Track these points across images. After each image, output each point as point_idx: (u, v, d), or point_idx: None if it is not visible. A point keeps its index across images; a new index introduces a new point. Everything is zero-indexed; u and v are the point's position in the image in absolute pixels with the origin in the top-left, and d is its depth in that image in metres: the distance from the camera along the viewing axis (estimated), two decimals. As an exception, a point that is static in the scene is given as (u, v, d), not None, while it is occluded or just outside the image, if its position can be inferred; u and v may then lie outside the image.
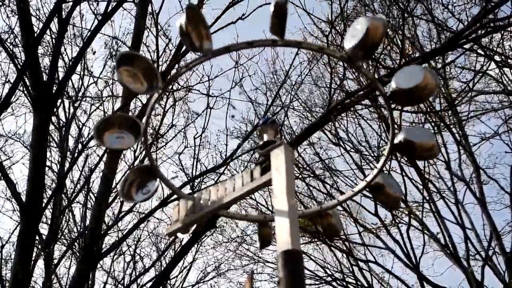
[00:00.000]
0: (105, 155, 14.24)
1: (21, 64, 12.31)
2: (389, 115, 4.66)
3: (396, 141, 4.73)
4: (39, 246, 13.95)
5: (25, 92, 13.34)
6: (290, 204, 4.36)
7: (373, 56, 13.31)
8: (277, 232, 4.32)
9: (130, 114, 12.96)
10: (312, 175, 17.89)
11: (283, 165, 4.56)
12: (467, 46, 12.08)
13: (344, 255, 18.72)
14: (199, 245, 17.93)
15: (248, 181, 4.81)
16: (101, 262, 15.68)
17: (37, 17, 14.75)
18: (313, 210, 5.57)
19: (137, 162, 15.00)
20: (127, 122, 4.70)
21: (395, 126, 4.84)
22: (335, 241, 17.87)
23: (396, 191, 5.10)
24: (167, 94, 14.35)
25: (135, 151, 15.72)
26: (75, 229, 16.43)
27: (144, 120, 4.65)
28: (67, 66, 15.30)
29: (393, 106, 4.71)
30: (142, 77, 4.53)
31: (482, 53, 14.54)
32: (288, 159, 4.63)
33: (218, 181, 14.35)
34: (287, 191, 4.41)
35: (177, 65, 12.84)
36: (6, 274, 16.26)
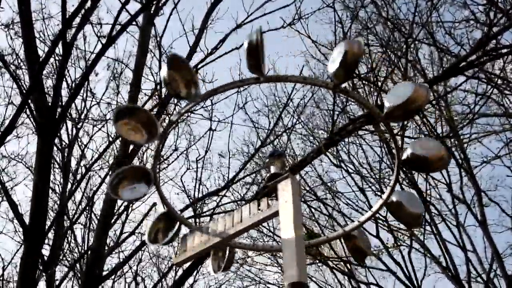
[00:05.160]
0: (108, 177, 14.29)
1: (25, 86, 12.40)
2: (389, 132, 4.74)
3: (403, 157, 4.78)
4: (41, 267, 13.92)
5: (29, 115, 13.42)
6: (297, 237, 4.41)
7: (375, 81, 13.44)
8: (284, 264, 4.37)
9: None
10: (314, 197, 17.92)
11: (290, 198, 4.62)
12: (470, 71, 12.17)
13: (346, 277, 18.68)
14: (200, 266, 17.86)
15: (255, 212, 4.87)
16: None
17: (41, 39, 14.87)
18: (321, 240, 5.63)
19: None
20: (139, 173, 4.78)
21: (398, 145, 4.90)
22: (336, 263, 17.85)
23: (415, 209, 5.07)
24: (169, 117, 14.40)
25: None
26: (76, 250, 16.40)
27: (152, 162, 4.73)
28: (70, 88, 15.38)
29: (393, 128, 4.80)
30: (141, 127, 4.62)
31: (484, 77, 14.62)
32: (295, 191, 4.69)
33: (219, 203, 14.37)
34: (294, 224, 4.47)
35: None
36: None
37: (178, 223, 4.92)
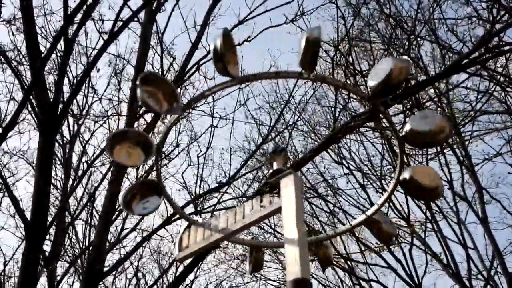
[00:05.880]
0: (109, 173, 14.29)
1: (26, 82, 12.39)
2: (399, 158, 4.73)
3: (401, 177, 4.81)
4: (42, 263, 13.94)
5: (31, 111, 13.41)
6: (300, 233, 4.40)
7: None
8: (287, 261, 4.36)
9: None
10: (315, 194, 17.92)
11: (292, 194, 4.61)
12: (472, 68, 12.16)
13: (346, 273, 18.69)
14: (201, 263, 17.90)
15: (258, 208, 4.85)
16: (103, 279, 15.64)
17: (43, 35, 14.84)
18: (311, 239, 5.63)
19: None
20: (140, 139, 4.76)
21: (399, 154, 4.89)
22: (337, 260, 17.86)
23: (390, 229, 5.18)
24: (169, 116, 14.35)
25: (137, 168, 15.77)
26: (77, 246, 16.42)
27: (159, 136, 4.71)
28: (71, 84, 15.38)
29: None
30: (162, 98, 4.60)
31: (486, 75, 14.60)
32: (297, 188, 4.68)
33: (221, 199, 14.38)
34: (296, 220, 4.45)
35: (183, 84, 12.92)
36: (8, 290, 16.28)
37: (158, 195, 4.90)
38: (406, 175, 4.73)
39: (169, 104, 4.56)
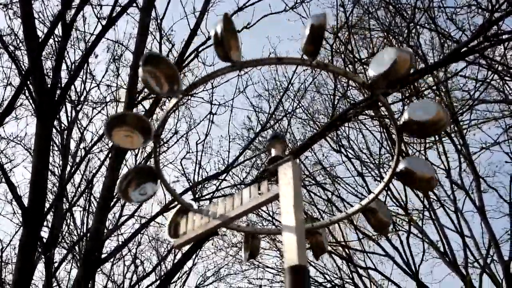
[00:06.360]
0: (107, 160, 14.28)
1: (24, 67, 12.35)
2: (397, 146, 4.70)
3: (397, 169, 4.78)
4: (40, 249, 13.96)
5: (28, 97, 13.36)
6: (298, 220, 4.40)
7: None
8: (285, 248, 4.36)
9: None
10: (313, 182, 17.95)
11: (291, 181, 4.59)
12: (471, 57, 12.15)
13: (344, 261, 18.78)
14: (199, 250, 17.95)
15: (256, 195, 4.85)
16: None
17: (40, 19, 14.76)
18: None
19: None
20: (140, 123, 4.73)
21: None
22: (335, 248, 17.93)
23: (386, 217, 5.14)
24: (169, 99, 14.34)
25: (136, 155, 15.77)
26: (75, 233, 16.44)
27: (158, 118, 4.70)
28: (69, 69, 15.31)
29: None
30: (164, 80, 4.57)
31: (485, 63, 14.59)
32: (296, 175, 4.66)
33: (219, 187, 14.38)
34: (294, 207, 4.45)
35: (182, 71, 12.89)
36: (5, 276, 16.31)
37: (154, 181, 4.88)
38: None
39: (169, 87, 4.53)
